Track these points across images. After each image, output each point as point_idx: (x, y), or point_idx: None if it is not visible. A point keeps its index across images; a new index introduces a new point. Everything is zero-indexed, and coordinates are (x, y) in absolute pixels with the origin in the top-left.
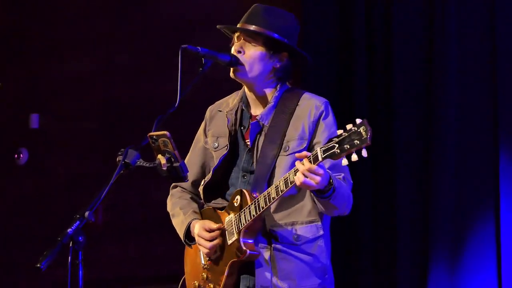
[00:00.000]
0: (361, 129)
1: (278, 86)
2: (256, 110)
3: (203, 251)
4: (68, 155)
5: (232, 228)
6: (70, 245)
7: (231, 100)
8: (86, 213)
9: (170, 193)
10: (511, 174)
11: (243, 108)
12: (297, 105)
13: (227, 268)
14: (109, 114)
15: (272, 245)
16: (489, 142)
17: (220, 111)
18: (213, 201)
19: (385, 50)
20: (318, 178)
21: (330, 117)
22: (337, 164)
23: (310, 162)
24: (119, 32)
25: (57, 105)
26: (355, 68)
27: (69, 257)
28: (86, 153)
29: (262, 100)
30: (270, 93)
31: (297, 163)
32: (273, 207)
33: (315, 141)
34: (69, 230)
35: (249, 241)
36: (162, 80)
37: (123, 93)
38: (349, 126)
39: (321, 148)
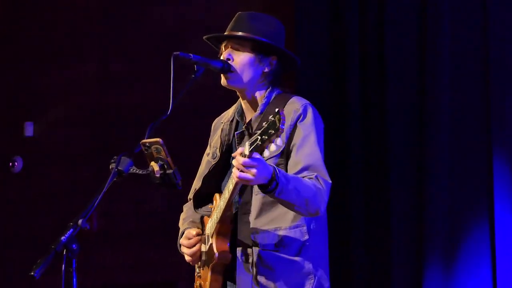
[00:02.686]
0: (276, 119)
1: (268, 91)
2: (249, 118)
3: (186, 259)
4: (62, 163)
5: (209, 233)
6: (64, 253)
7: (231, 111)
8: (80, 221)
9: (184, 205)
10: (505, 176)
11: (237, 118)
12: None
13: (209, 272)
14: (102, 121)
15: (254, 250)
16: (483, 144)
17: (222, 122)
18: (203, 209)
19: (378, 52)
20: (253, 170)
21: (309, 119)
22: (311, 164)
23: (244, 157)
24: (111, 39)
25: (51, 112)
26: (348, 71)
27: (63, 265)
28: (80, 160)
29: (254, 106)
30: (260, 99)
31: (233, 161)
32: (254, 213)
33: (292, 143)
34: (62, 238)
35: (222, 244)
36: (155, 86)
37: (116, 100)
38: (270, 117)
39: (248, 141)
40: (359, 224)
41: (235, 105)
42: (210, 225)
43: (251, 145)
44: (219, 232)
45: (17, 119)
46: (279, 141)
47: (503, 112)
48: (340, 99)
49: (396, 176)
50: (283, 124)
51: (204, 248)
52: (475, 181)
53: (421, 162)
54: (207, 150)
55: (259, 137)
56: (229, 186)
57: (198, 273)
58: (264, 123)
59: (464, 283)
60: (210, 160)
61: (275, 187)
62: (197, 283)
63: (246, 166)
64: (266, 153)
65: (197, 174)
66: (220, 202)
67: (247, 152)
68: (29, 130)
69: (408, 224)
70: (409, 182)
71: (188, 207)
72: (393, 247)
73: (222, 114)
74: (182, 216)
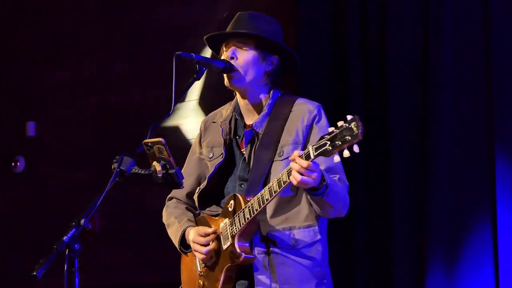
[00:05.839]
0: (352, 125)
1: (271, 92)
2: (250, 119)
3: (199, 257)
4: (64, 163)
5: (227, 233)
6: (66, 252)
7: (224, 111)
8: (82, 221)
9: (165, 205)
10: (507, 176)
11: (237, 117)
12: (290, 111)
13: (222, 273)
14: (104, 121)
15: (271, 250)
16: (485, 146)
17: (214, 122)
18: (207, 209)
19: (379, 53)
20: (314, 175)
21: (323, 121)
22: (333, 167)
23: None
24: (113, 39)
25: (53, 112)
26: (350, 72)
27: (65, 265)
28: (82, 160)
29: (256, 107)
30: (264, 100)
31: (292, 163)
32: (270, 212)
33: (309, 144)
34: (64, 237)
35: (244, 244)
36: (156, 87)
37: (118, 100)
38: (340, 123)
39: (312, 146)
40: (360, 225)
41: (227, 105)
42: (228, 224)
43: (317, 149)
44: (244, 232)
45: (19, 119)
46: (356, 147)
47: (506, 112)
48: (342, 100)
49: (397, 178)
50: (362, 132)
51: (215, 246)
52: (477, 181)
53: (423, 163)
54: (196, 149)
55: (329, 142)
56: (274, 186)
57: (201, 272)
58: (334, 129)
59: (467, 284)
60: (204, 159)
61: (325, 189)
62: (199, 282)
63: (309, 170)
64: (337, 159)
65: (183, 172)
66: (253, 202)
67: (312, 156)
68: (31, 130)
69: (410, 225)
70: (411, 183)
71: (174, 205)
72: (395, 248)
73: (210, 114)
74: (171, 214)
